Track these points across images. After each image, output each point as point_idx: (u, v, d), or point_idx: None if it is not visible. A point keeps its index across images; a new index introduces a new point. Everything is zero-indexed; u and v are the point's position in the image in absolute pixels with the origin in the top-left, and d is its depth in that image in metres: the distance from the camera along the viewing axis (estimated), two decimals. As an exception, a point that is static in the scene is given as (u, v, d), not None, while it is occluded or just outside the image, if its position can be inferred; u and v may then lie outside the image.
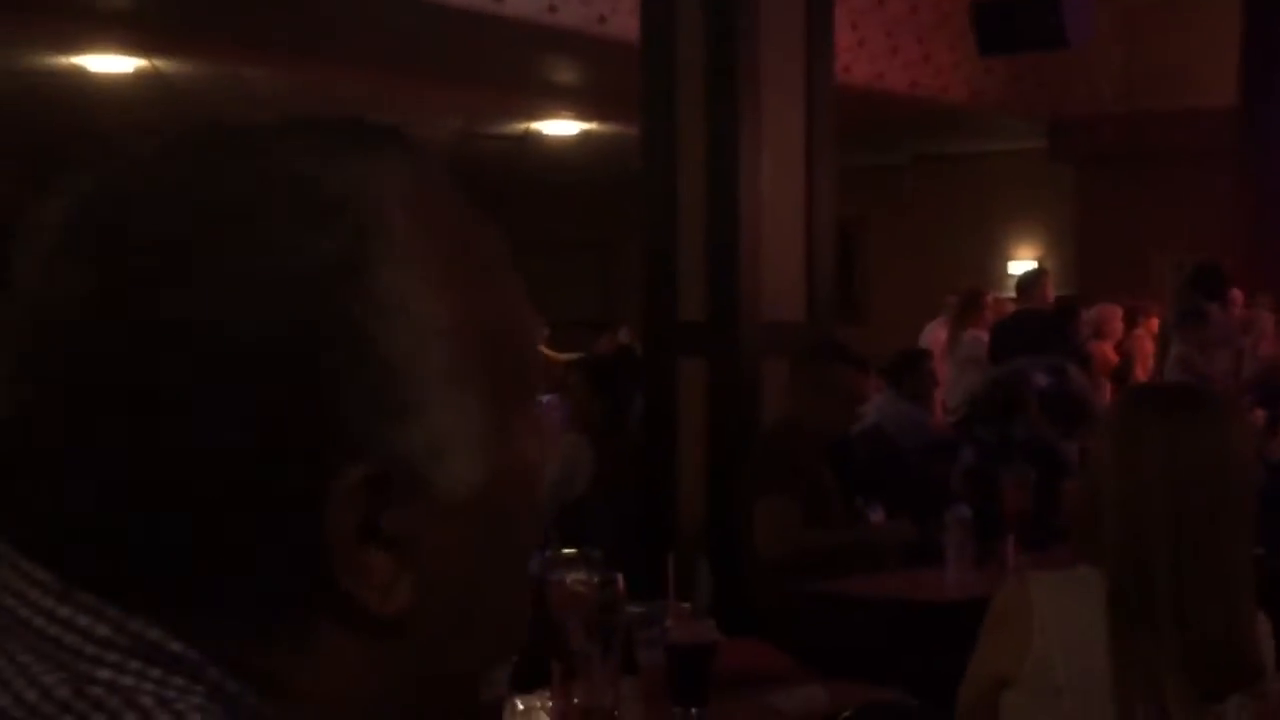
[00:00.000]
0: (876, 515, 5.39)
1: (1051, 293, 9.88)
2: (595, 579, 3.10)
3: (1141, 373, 9.91)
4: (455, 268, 0.74)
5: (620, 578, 3.13)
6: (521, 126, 15.11)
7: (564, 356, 9.66)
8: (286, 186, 0.71)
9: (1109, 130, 14.77)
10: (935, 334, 10.93)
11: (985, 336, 8.53)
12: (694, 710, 3.04)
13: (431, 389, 0.71)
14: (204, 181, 0.72)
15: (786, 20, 6.22)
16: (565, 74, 12.96)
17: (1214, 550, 2.51)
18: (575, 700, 2.85)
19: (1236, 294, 10.13)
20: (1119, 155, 14.83)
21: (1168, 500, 2.52)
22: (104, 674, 0.68)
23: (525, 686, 2.94)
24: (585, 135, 15.27)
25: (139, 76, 11.96)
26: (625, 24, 8.45)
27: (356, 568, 0.69)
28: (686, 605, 3.21)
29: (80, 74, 11.86)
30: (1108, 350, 9.89)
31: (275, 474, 0.68)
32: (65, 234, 0.72)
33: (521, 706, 2.97)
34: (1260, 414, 7.83)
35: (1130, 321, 10.73)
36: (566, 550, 3.30)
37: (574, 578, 3.10)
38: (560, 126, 15.12)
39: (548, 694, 2.96)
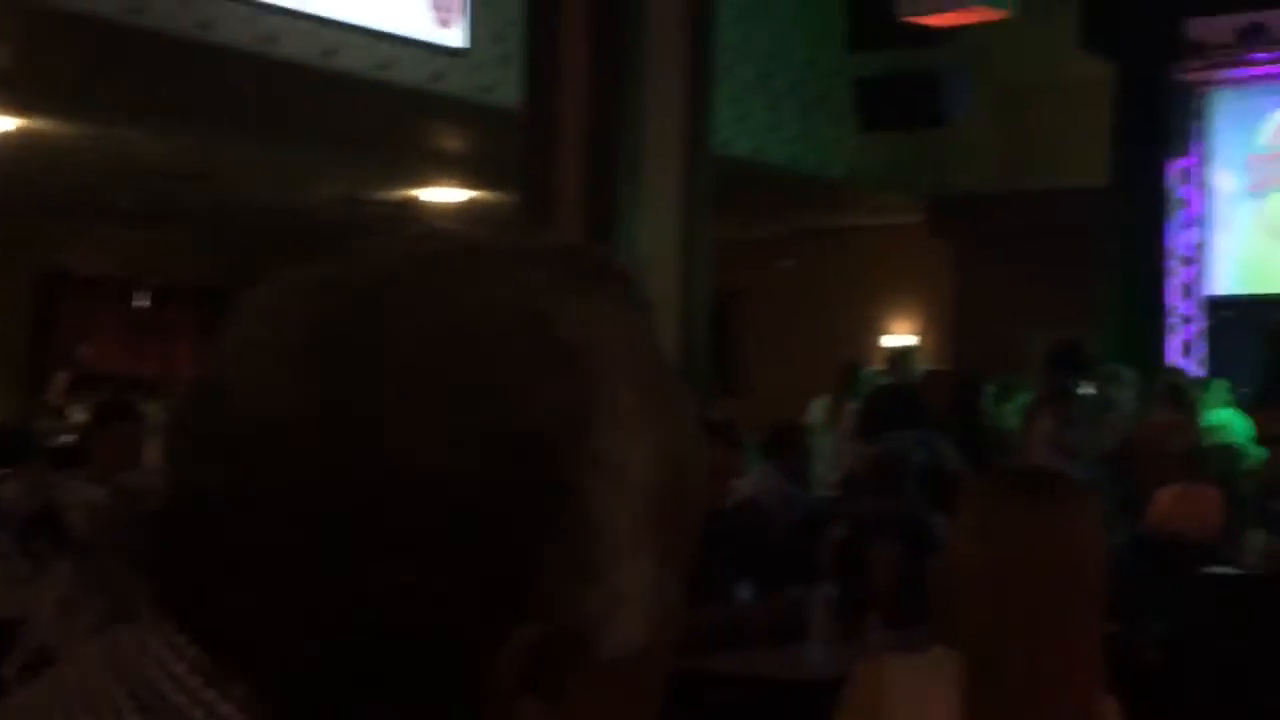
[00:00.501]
0: (745, 591, 5.38)
1: (920, 369, 10.00)
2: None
3: None
4: (653, 419, 0.72)
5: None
6: (403, 193, 15.08)
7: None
8: (522, 324, 0.69)
9: (985, 208, 15.03)
10: (819, 407, 11.03)
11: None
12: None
13: (622, 549, 0.70)
14: (441, 307, 0.70)
15: (667, 94, 6.28)
16: (450, 141, 12.96)
17: (1068, 635, 2.53)
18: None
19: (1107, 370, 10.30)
20: (995, 233, 15.09)
21: (1023, 585, 2.54)
22: None
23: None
24: (469, 203, 15.26)
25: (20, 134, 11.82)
26: (511, 93, 8.49)
27: (508, 715, 0.68)
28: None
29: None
30: None
31: (457, 619, 0.67)
32: (290, 334, 0.70)
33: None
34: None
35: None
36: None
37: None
38: (444, 194, 15.11)
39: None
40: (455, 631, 0.67)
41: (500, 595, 0.68)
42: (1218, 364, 13.48)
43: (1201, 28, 13.42)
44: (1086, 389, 9.53)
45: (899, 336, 16.02)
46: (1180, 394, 9.48)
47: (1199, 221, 14.08)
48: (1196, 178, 14.06)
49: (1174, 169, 14.06)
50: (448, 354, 0.68)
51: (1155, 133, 13.86)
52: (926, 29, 10.02)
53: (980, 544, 2.58)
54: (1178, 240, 14.15)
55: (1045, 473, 2.79)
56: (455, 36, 10.33)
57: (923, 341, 16.00)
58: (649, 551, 0.72)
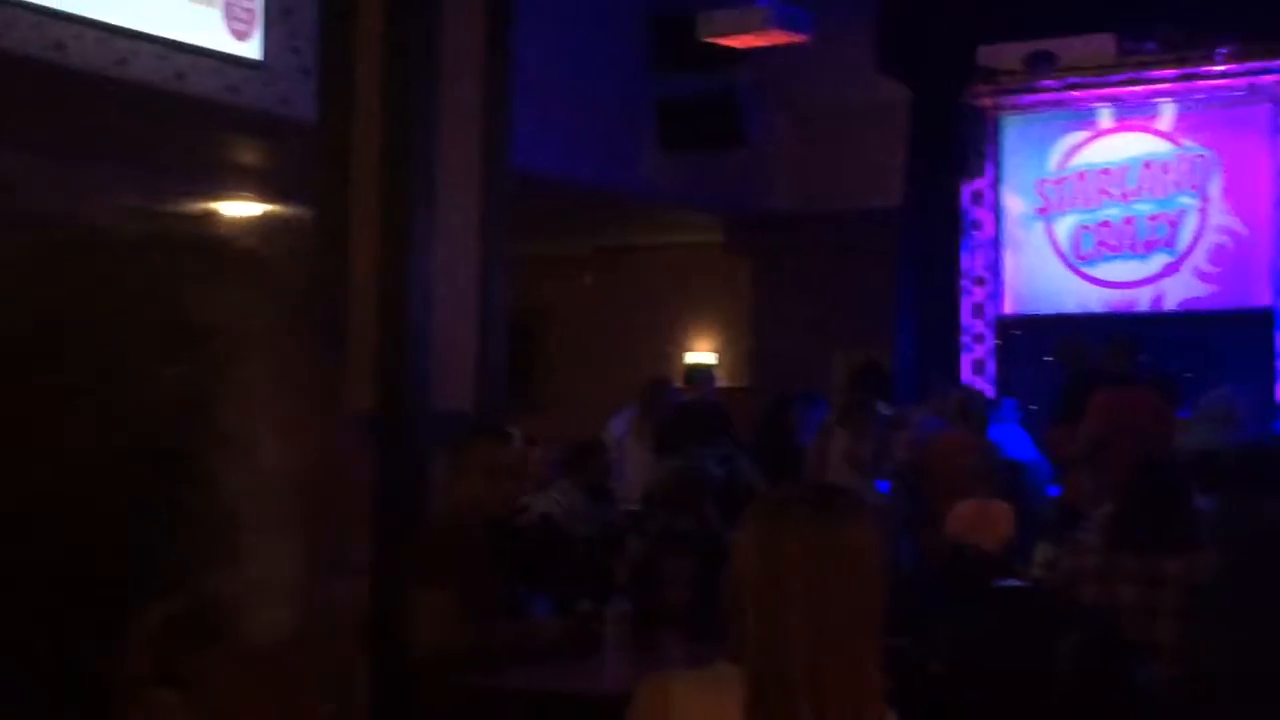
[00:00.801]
0: (542, 606, 5.37)
1: (717, 386, 10.08)
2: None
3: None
4: (294, 407, 0.73)
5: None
6: (199, 206, 14.80)
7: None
8: (151, 304, 0.72)
9: (784, 228, 15.23)
10: (620, 423, 11.04)
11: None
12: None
13: (257, 533, 0.69)
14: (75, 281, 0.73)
15: (465, 108, 6.24)
16: (246, 154, 12.75)
17: (849, 648, 2.57)
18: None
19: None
20: (793, 252, 15.29)
21: (805, 600, 2.57)
22: None
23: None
24: (266, 217, 15.03)
25: None
26: (308, 106, 8.38)
27: (145, 704, 0.67)
28: (330, 705, 3.12)
29: None
30: None
31: (80, 601, 0.66)
32: None
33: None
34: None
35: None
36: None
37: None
38: (241, 208, 14.85)
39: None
40: (78, 615, 0.66)
41: (127, 576, 0.67)
42: (1007, 382, 13.84)
43: (991, 54, 13.78)
44: (883, 407, 9.70)
45: (701, 354, 16.15)
46: (970, 411, 9.70)
47: (991, 243, 14.44)
48: (989, 200, 14.42)
49: (968, 191, 14.40)
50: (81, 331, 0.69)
51: (949, 155, 14.19)
52: (727, 50, 10.13)
53: (763, 559, 2.61)
54: (970, 261, 14.49)
55: (827, 489, 2.84)
56: (251, 48, 10.17)
57: (722, 359, 16.16)
58: (291, 539, 0.71)
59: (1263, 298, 13.41)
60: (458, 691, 4.56)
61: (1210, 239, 13.57)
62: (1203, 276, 13.62)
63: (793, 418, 9.61)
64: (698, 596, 5.11)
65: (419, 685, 4.74)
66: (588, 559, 6.92)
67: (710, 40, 9.49)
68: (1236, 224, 13.50)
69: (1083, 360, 9.22)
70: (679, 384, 9.79)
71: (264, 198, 14.38)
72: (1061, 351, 9.77)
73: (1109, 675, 5.01)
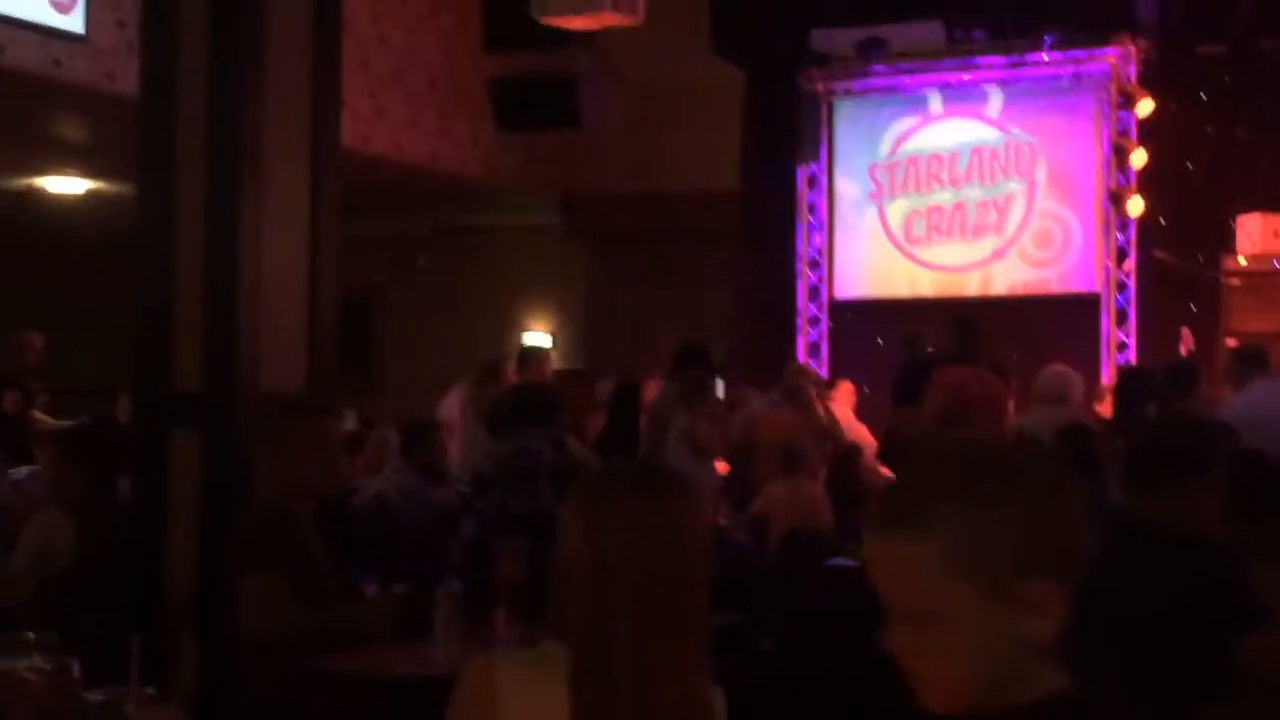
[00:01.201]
0: (373, 588, 5.32)
1: (551, 368, 10.04)
2: (48, 665, 2.92)
3: None
4: None
5: (75, 664, 2.96)
6: (24, 182, 14.43)
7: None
8: None
9: (619, 209, 15.26)
10: (453, 404, 10.95)
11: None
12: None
13: None
14: None
15: (293, 86, 6.13)
16: (71, 130, 12.45)
17: (673, 626, 2.57)
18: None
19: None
20: (629, 234, 15.33)
21: (629, 577, 2.57)
22: None
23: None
24: (91, 194, 14.69)
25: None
26: (133, 82, 8.19)
27: None
28: (150, 689, 3.07)
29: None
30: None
31: None
32: None
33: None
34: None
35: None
36: (20, 635, 3.10)
37: (24, 665, 2.90)
38: (65, 184, 14.50)
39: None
40: None
41: None
42: (840, 365, 14.01)
43: (824, 39, 13.92)
44: (717, 388, 9.74)
45: (537, 335, 16.13)
46: (796, 393, 9.77)
47: (825, 227, 14.59)
48: (823, 184, 14.57)
49: (803, 175, 14.54)
50: None
51: (784, 139, 14.32)
52: (561, 31, 10.09)
53: (586, 535, 2.60)
54: (805, 244, 14.64)
55: (653, 467, 2.83)
56: (74, 22, 9.91)
57: (558, 341, 16.14)
58: None
59: (1088, 283, 13.72)
60: (287, 674, 4.50)
61: (1036, 224, 13.86)
62: (1030, 261, 13.90)
63: (641, 401, 9.61)
64: (531, 577, 5.09)
65: (247, 668, 4.67)
66: (422, 541, 6.86)
67: (545, 21, 9.43)
68: (1062, 210, 13.80)
69: (923, 342, 9.34)
70: (513, 366, 9.72)
71: (87, 174, 14.06)
72: (907, 337, 9.89)
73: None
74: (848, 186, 14.49)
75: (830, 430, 9.96)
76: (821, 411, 10.07)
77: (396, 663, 4.65)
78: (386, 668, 4.61)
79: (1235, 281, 12.52)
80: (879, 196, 14.31)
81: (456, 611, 4.80)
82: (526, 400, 7.21)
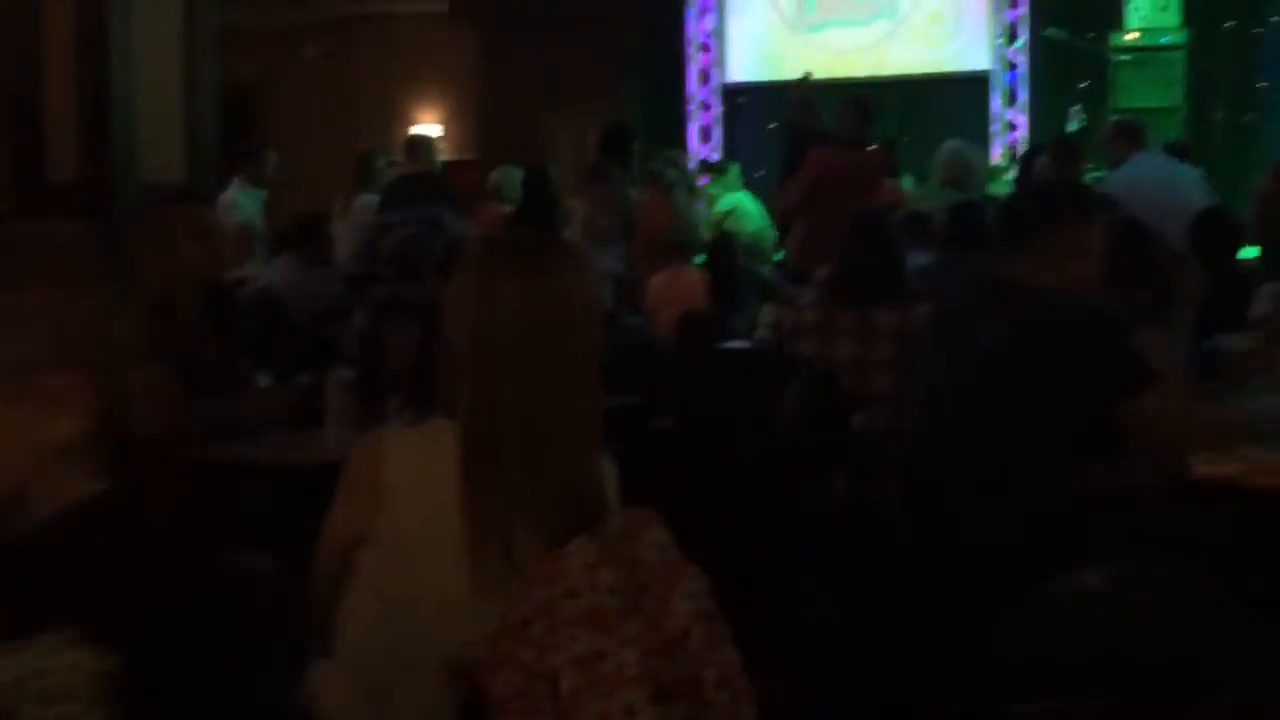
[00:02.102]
0: (265, 380, 5.27)
1: (436, 156, 9.84)
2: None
3: None
4: None
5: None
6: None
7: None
8: None
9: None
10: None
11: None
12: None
13: None
14: None
15: None
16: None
17: (562, 398, 2.55)
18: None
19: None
20: (521, 20, 15.02)
21: (517, 351, 2.54)
22: None
23: None
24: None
25: None
26: None
27: None
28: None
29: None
30: None
31: None
32: None
33: None
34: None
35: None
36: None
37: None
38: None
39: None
40: None
41: None
42: (733, 149, 13.94)
43: None
44: (626, 171, 9.56)
45: (426, 126, 15.87)
46: (659, 178, 9.66)
47: (715, 9, 14.40)
48: (713, -34, 14.36)
49: (692, -43, 14.33)
50: None
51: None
52: None
53: (474, 306, 2.56)
54: (695, 27, 14.45)
55: (538, 241, 2.78)
56: None
57: (448, 131, 15.91)
58: None
59: (979, 61, 13.69)
60: (177, 466, 4.46)
61: (929, 4, 13.76)
62: (922, 41, 13.82)
63: (551, 189, 9.46)
64: (422, 363, 5.05)
65: (138, 461, 4.62)
66: (311, 331, 6.80)
67: None
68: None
69: (814, 119, 9.26)
70: (398, 156, 9.53)
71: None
72: (791, 124, 9.79)
73: (826, 422, 5.15)
74: (739, -32, 14.29)
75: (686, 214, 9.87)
76: (682, 197, 9.93)
77: (289, 451, 4.62)
78: (280, 456, 4.59)
79: (1125, 57, 12.53)
80: (770, -23, 14.13)
81: (349, 400, 4.76)
82: (417, 189, 7.11)
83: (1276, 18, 13.10)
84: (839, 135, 8.62)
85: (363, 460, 2.66)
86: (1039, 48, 13.51)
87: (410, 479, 2.60)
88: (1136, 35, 12.67)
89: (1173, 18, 12.72)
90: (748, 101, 14.30)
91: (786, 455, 5.15)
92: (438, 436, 2.60)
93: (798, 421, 5.19)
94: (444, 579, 2.53)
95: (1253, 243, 8.09)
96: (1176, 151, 9.37)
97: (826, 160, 8.41)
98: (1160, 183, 7.95)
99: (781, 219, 9.31)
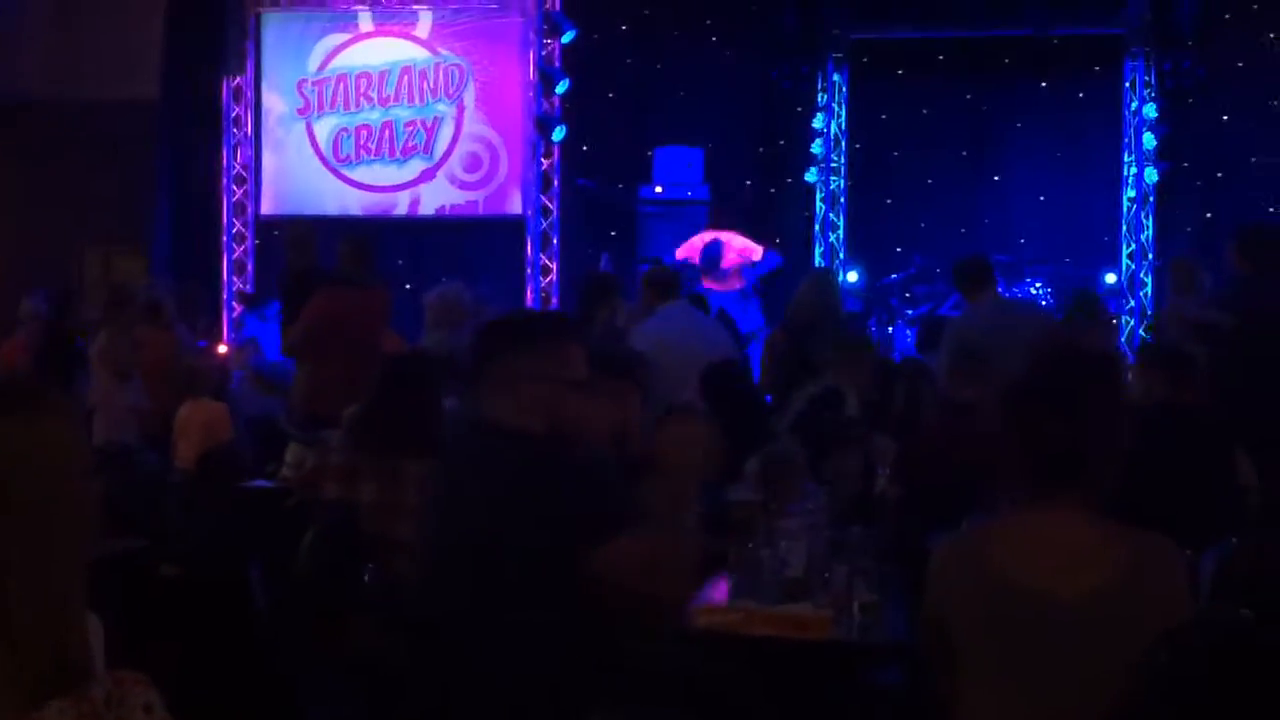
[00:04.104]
0: None
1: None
2: None
3: None
4: None
5: None
6: None
7: None
8: None
9: (33, 115, 14.37)
10: None
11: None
12: None
13: None
14: None
15: None
16: None
17: (34, 552, 2.40)
18: None
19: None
20: (44, 141, 14.46)
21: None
22: None
23: None
24: None
25: None
26: None
27: None
28: None
29: None
30: None
31: None
32: None
33: None
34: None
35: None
36: None
37: None
38: None
39: None
40: None
41: None
42: (267, 282, 13.74)
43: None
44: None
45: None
46: (161, 309, 9.52)
47: (251, 141, 14.25)
48: (249, 98, 14.22)
49: (229, 87, 14.14)
50: None
51: (208, 49, 13.86)
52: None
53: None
54: (230, 159, 14.26)
55: (20, 387, 2.62)
56: None
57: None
58: None
59: (515, 206, 13.98)
60: None
61: (466, 147, 13.99)
62: (458, 184, 14.03)
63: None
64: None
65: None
66: None
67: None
68: (490, 134, 13.98)
69: (310, 259, 9.22)
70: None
71: None
72: (293, 243, 9.69)
73: (341, 569, 5.07)
74: (275, 101, 14.19)
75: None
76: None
77: None
78: None
79: (651, 209, 13.05)
80: (307, 112, 14.09)
81: None
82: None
83: (790, 178, 13.92)
84: (340, 275, 8.61)
85: None
86: (571, 196, 13.92)
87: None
88: (661, 189, 13.23)
89: (696, 174, 13.34)
90: (282, 235, 14.14)
91: (304, 603, 5.03)
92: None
93: (318, 568, 5.08)
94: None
95: (765, 391, 8.46)
96: (700, 303, 9.77)
97: (330, 300, 8.37)
98: (688, 333, 8.21)
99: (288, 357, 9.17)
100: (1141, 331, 12.76)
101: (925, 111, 13.92)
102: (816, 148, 13.84)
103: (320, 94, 14.07)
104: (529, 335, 3.82)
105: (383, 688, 4.10)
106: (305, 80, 14.07)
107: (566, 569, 3.34)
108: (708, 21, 13.82)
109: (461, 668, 3.53)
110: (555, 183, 13.96)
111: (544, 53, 13.84)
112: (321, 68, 14.05)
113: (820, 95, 13.90)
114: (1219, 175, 13.18)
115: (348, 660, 4.67)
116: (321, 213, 13.89)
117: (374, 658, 4.53)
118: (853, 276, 13.41)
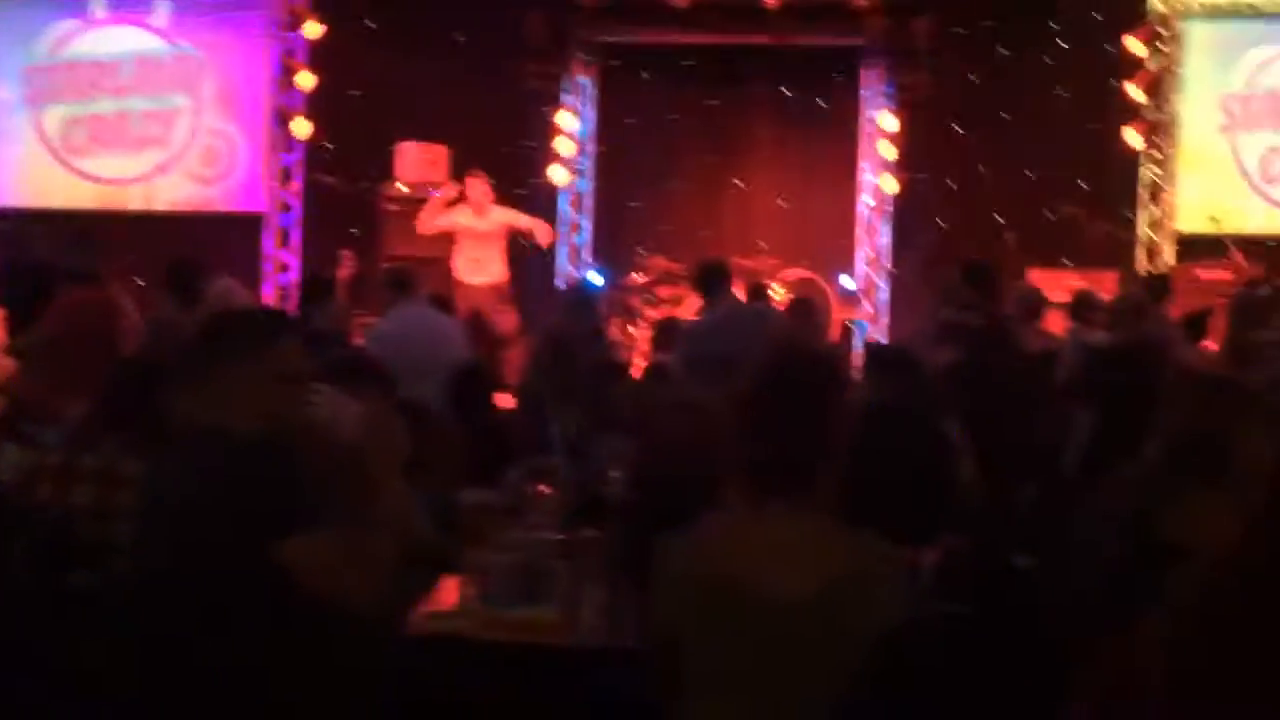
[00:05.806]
0: None
1: None
2: None
3: None
4: None
5: None
6: None
7: None
8: None
9: None
10: None
11: None
12: None
13: None
14: None
15: None
16: None
17: None
18: None
19: None
20: None
21: None
22: None
23: None
24: None
25: None
26: None
27: None
28: None
29: None
30: None
31: None
32: None
33: None
34: None
35: None
36: None
37: None
38: None
39: None
40: None
41: None
42: (-7, 276, 13.20)
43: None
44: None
45: None
46: None
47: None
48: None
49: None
50: None
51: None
52: None
53: None
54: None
55: None
56: None
57: None
58: None
59: (253, 202, 13.69)
60: None
61: (203, 141, 13.65)
62: (195, 178, 13.68)
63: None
64: None
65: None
66: None
67: None
68: (229, 128, 13.66)
69: (30, 252, 8.88)
70: None
71: None
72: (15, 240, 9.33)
73: (52, 577, 4.85)
74: (2, 90, 13.65)
75: None
76: None
77: None
78: None
79: (394, 207, 12.88)
80: (34, 101, 13.57)
81: None
82: None
83: (535, 179, 13.86)
84: (72, 272, 8.28)
85: None
86: (312, 192, 13.68)
87: None
88: (406, 185, 13.06)
89: (439, 171, 13.21)
90: (9, 228, 13.60)
91: (16, 613, 4.80)
92: None
93: (28, 576, 4.86)
94: None
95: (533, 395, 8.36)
96: (441, 303, 9.64)
97: (70, 300, 8.05)
98: (425, 333, 8.11)
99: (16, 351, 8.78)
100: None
101: (671, 116, 14.04)
102: (562, 147, 13.84)
103: (50, 82, 13.57)
104: (239, 335, 3.71)
105: (98, 696, 3.94)
106: (35, 67, 13.56)
107: (261, 568, 3.25)
108: (455, 19, 13.70)
109: (175, 672, 3.41)
110: (297, 178, 13.70)
111: (286, 47, 13.57)
112: (51, 54, 13.56)
113: (567, 96, 13.90)
114: (952, 186, 13.55)
115: (61, 669, 4.48)
116: (49, 205, 13.39)
117: (88, 666, 4.36)
118: (596, 278, 13.44)
